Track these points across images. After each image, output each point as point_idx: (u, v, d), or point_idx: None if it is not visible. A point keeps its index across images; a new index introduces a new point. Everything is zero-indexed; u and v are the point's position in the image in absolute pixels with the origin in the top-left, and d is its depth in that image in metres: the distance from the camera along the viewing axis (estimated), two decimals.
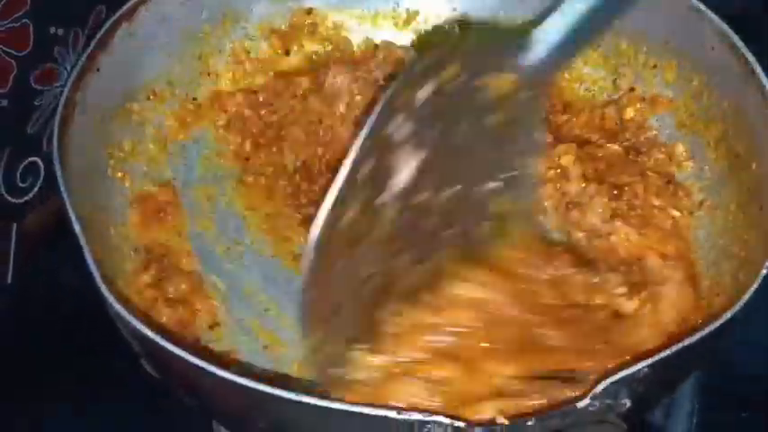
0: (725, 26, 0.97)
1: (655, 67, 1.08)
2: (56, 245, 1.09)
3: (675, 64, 1.05)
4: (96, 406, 1.02)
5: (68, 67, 1.11)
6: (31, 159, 1.11)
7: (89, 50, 0.96)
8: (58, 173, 0.86)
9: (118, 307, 0.77)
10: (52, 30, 1.09)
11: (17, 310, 1.09)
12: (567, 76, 1.12)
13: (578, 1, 0.82)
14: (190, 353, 0.73)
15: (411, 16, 1.18)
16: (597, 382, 0.71)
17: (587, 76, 1.13)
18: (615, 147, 1.04)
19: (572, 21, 0.83)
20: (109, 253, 0.93)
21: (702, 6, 0.99)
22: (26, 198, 1.13)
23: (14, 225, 1.12)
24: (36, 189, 1.13)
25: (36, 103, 1.10)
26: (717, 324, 0.75)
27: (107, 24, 0.99)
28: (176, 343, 0.74)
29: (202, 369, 0.72)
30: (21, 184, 1.11)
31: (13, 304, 1.09)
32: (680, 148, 1.05)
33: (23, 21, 1.04)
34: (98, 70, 0.96)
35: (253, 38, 1.14)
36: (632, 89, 1.10)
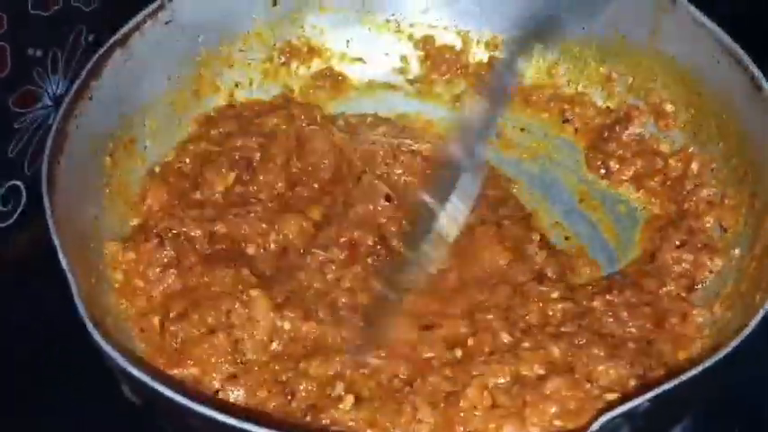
0: (730, 40, 1.02)
1: (656, 80, 1.13)
2: (39, 270, 1.16)
3: (680, 79, 1.10)
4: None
5: (48, 90, 1.15)
6: (12, 183, 1.15)
7: (82, 78, 1.00)
8: (48, 209, 0.90)
9: (105, 346, 0.82)
10: (30, 51, 1.11)
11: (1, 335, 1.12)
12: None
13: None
14: (175, 391, 0.79)
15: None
16: (595, 417, 0.75)
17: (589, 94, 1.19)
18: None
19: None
20: (98, 288, 0.98)
21: (707, 21, 1.04)
22: (8, 222, 1.16)
23: None
24: (18, 213, 1.17)
25: (16, 126, 1.13)
26: (718, 356, 0.79)
27: (100, 51, 1.03)
28: (161, 381, 0.80)
29: (186, 407, 0.78)
30: (2, 208, 1.15)
31: None
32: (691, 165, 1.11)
33: (0, 43, 1.07)
34: (91, 98, 1.00)
35: (252, 59, 1.20)
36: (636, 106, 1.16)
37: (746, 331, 0.81)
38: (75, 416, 1.04)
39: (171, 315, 0.97)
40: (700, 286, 1.02)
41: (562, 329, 0.96)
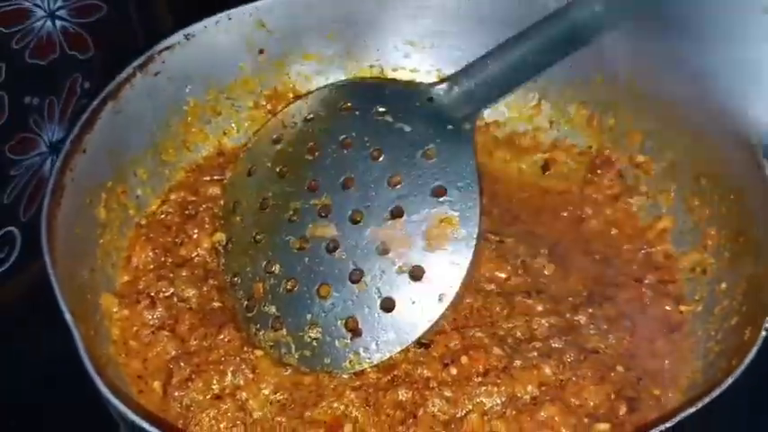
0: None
1: (638, 120, 1.19)
2: (36, 316, 1.19)
3: (662, 119, 1.16)
4: None
5: (44, 136, 1.19)
6: (7, 229, 1.19)
7: (75, 132, 1.03)
8: (49, 264, 0.93)
9: (109, 395, 0.86)
10: (27, 99, 1.16)
11: None
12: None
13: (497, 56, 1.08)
14: None
15: None
16: None
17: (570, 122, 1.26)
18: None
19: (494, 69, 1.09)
20: (97, 339, 1.02)
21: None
22: (3, 268, 1.20)
23: None
24: (13, 259, 1.21)
25: (12, 174, 1.17)
26: (713, 395, 0.84)
27: (93, 104, 1.06)
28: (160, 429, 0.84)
29: None
30: None
31: None
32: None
33: None
34: (84, 151, 1.04)
35: (239, 106, 1.25)
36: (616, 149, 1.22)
37: (740, 369, 0.86)
38: None
39: (173, 381, 1.00)
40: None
41: (551, 345, 1.02)
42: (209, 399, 0.99)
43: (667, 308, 1.08)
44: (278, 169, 1.12)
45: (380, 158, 1.07)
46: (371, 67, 1.28)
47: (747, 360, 0.86)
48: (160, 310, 1.07)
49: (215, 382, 1.00)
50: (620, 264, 1.13)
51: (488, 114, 1.26)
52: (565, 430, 0.96)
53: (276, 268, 1.07)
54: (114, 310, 1.06)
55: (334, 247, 1.05)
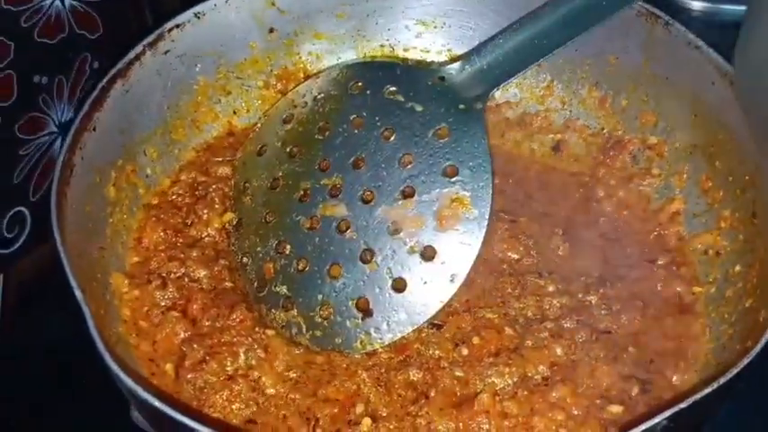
0: (725, 62, 1.06)
1: (650, 102, 1.18)
2: (45, 295, 1.21)
3: (676, 101, 1.15)
4: None
5: (54, 116, 1.19)
6: (17, 209, 1.19)
7: (85, 110, 1.03)
8: (59, 243, 0.93)
9: (119, 372, 0.86)
10: (36, 78, 1.16)
11: (6, 359, 1.16)
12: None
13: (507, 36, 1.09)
14: (182, 414, 0.82)
15: None
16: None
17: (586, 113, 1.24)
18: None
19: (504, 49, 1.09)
20: (107, 318, 1.02)
21: (702, 43, 1.09)
22: (13, 248, 1.20)
23: (1, 276, 1.19)
24: (23, 239, 1.20)
25: (21, 153, 1.17)
26: (729, 376, 0.84)
27: (102, 83, 1.06)
28: (171, 405, 0.83)
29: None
30: (7, 235, 1.18)
31: (2, 353, 1.17)
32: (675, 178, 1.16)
33: (7, 71, 1.11)
34: (94, 130, 1.04)
35: (249, 86, 1.25)
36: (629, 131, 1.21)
37: (756, 350, 0.85)
38: None
39: (186, 363, 1.00)
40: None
41: (563, 325, 1.02)
42: (222, 380, 0.98)
43: (679, 289, 1.07)
44: (288, 149, 1.11)
45: (391, 138, 1.07)
46: (382, 46, 1.27)
47: (763, 341, 0.86)
48: (171, 290, 1.06)
49: (228, 363, 0.99)
50: (631, 245, 1.12)
51: (500, 95, 1.25)
52: (577, 411, 0.95)
53: (287, 248, 1.06)
54: (125, 290, 1.06)
55: (345, 227, 1.04)
